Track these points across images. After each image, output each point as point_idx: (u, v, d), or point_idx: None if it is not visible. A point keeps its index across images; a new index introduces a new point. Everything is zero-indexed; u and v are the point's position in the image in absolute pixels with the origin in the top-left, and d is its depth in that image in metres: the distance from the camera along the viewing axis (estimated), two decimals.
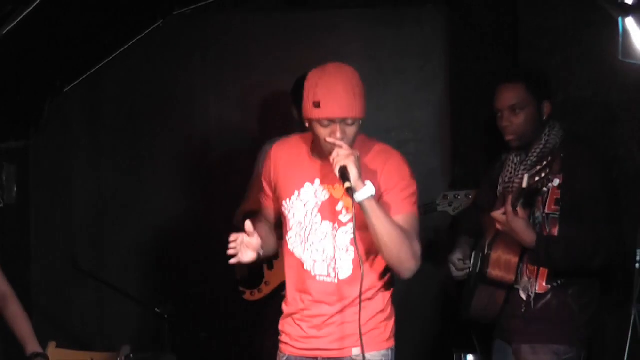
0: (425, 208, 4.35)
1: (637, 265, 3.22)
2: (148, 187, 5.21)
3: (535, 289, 3.47)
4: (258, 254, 2.98)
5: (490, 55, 4.75)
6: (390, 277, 3.13)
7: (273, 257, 4.30)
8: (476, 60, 4.82)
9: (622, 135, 3.88)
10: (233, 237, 2.94)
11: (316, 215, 3.02)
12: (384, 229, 2.83)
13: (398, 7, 5.08)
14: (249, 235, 2.92)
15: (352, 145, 2.89)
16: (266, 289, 4.39)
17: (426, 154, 5.06)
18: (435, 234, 4.86)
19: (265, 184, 3.20)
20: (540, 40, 4.32)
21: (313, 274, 3.04)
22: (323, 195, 3.01)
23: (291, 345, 3.14)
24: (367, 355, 2.95)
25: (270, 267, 4.35)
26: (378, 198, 2.89)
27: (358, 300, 2.95)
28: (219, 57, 5.16)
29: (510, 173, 3.61)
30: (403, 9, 5.09)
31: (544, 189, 3.33)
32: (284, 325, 3.17)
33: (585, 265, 3.37)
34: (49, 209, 5.17)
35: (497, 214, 3.39)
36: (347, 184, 2.78)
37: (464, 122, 4.93)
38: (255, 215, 4.20)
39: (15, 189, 4.77)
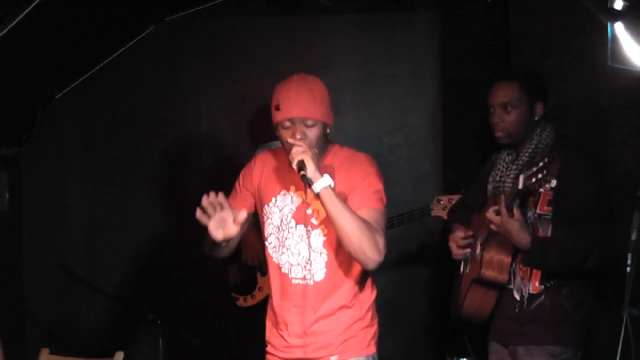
0: (419, 212, 4.36)
1: (628, 269, 3.24)
2: (140, 193, 5.20)
3: (529, 289, 3.47)
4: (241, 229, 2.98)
5: (482, 60, 4.75)
6: (371, 285, 3.19)
7: (266, 264, 4.31)
8: (468, 66, 4.82)
9: (613, 139, 3.90)
10: (206, 203, 2.95)
11: (291, 220, 3.11)
12: (343, 219, 2.88)
13: (390, 12, 5.09)
14: (221, 206, 2.94)
15: (318, 149, 3.00)
16: (260, 295, 4.39)
17: (418, 159, 5.06)
18: (429, 238, 4.87)
19: (242, 186, 3.26)
20: (531, 45, 4.33)
21: (290, 276, 3.12)
22: (297, 200, 3.11)
23: (275, 356, 3.20)
24: None
25: (264, 274, 4.34)
26: (345, 198, 2.97)
27: (336, 307, 3.07)
28: (211, 63, 5.16)
29: (501, 172, 3.62)
30: (395, 14, 5.10)
31: (540, 190, 3.34)
32: (269, 335, 3.24)
33: (578, 268, 3.37)
34: (40, 216, 5.16)
35: (491, 214, 3.40)
36: (302, 172, 2.88)
37: (456, 127, 4.93)
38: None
39: (7, 196, 4.77)
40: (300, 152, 2.90)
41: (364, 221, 2.91)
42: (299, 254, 3.11)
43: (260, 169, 3.25)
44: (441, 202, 4.31)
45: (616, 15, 3.14)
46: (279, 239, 3.15)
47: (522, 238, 3.35)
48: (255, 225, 4.28)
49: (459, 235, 3.72)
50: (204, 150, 5.18)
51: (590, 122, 3.97)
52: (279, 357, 3.18)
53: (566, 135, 3.64)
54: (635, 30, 3.26)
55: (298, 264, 3.11)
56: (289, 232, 3.12)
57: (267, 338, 3.25)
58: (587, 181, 3.39)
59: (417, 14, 5.10)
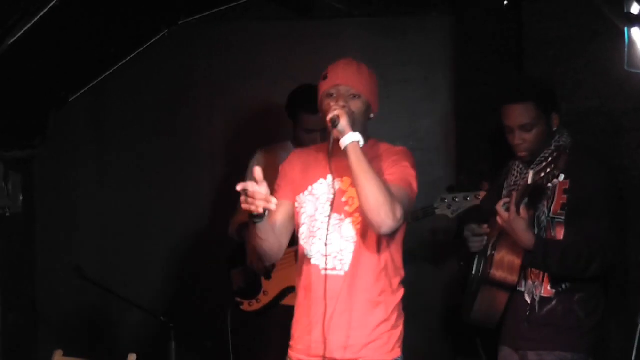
0: (424, 212, 4.32)
1: None
2: (153, 196, 5.21)
3: (541, 293, 3.48)
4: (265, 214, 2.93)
5: (495, 64, 4.75)
6: (398, 283, 3.19)
7: (270, 268, 4.30)
8: (481, 70, 4.82)
9: (628, 145, 3.88)
10: (242, 187, 2.86)
11: (327, 209, 3.09)
12: (364, 175, 2.89)
13: (403, 16, 5.09)
14: (258, 182, 2.86)
15: (355, 124, 2.99)
16: (265, 299, 4.36)
17: (431, 163, 5.06)
18: (434, 235, 4.87)
19: (284, 183, 3.25)
20: (545, 50, 4.32)
21: (321, 267, 3.09)
22: (334, 188, 3.10)
23: (297, 350, 3.17)
24: None
25: (268, 277, 4.33)
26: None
27: (363, 300, 3.05)
28: (224, 66, 5.17)
29: (516, 177, 3.62)
30: (407, 18, 5.10)
31: (549, 184, 3.33)
32: (295, 329, 3.21)
33: (579, 273, 3.37)
34: (54, 218, 5.18)
35: (500, 207, 3.40)
36: (330, 116, 2.92)
37: (468, 132, 4.93)
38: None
39: (20, 198, 4.79)
40: (337, 108, 2.95)
41: (386, 186, 2.92)
42: (330, 244, 3.08)
43: (298, 160, 3.27)
44: (446, 201, 4.29)
45: (633, 20, 3.13)
46: (311, 229, 3.13)
47: (527, 238, 3.35)
48: None
49: (474, 226, 3.72)
50: (217, 153, 5.19)
51: (605, 128, 3.96)
52: (301, 352, 3.15)
53: (582, 140, 3.63)
54: None
55: (329, 254, 3.09)
56: (322, 221, 3.10)
57: (292, 332, 3.22)
58: (597, 180, 3.40)
59: (430, 18, 5.10)
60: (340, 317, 3.07)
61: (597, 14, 3.74)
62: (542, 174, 3.25)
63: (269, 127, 4.99)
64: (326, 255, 3.08)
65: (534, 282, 3.49)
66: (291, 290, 4.23)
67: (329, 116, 2.94)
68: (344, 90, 3.06)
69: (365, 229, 3.06)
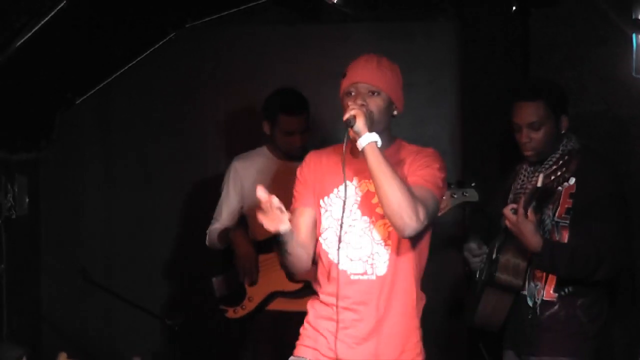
0: None
1: None
2: (159, 198, 5.21)
3: (542, 296, 3.47)
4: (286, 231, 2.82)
5: (501, 69, 4.74)
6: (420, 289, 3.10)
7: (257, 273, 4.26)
8: (487, 75, 4.81)
9: (634, 150, 3.88)
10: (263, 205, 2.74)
11: (355, 212, 3.00)
12: (385, 177, 2.78)
13: (409, 21, 5.08)
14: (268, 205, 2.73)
15: (376, 123, 2.90)
16: (250, 305, 4.26)
17: None
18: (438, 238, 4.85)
19: (303, 189, 3.12)
20: (551, 55, 4.32)
21: (349, 272, 2.98)
22: (361, 190, 3.01)
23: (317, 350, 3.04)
24: None
25: (253, 283, 4.28)
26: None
27: (399, 305, 2.96)
28: (231, 69, 5.17)
29: (522, 181, 3.62)
30: (414, 22, 5.09)
31: (559, 188, 3.32)
32: (313, 328, 3.07)
33: (588, 276, 3.37)
34: (59, 221, 5.18)
35: (508, 211, 3.38)
36: (346, 117, 2.82)
37: (474, 136, 4.92)
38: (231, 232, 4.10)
39: (26, 201, 4.79)
40: (355, 107, 2.84)
41: (407, 187, 2.82)
42: (360, 248, 2.98)
43: (317, 162, 3.13)
44: None
45: None
46: (337, 233, 2.98)
47: (534, 240, 3.34)
48: (245, 229, 4.28)
49: (472, 244, 3.72)
50: (223, 155, 5.19)
51: (611, 133, 3.96)
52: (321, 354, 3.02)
53: (589, 145, 3.63)
54: None
55: (359, 259, 2.98)
56: (350, 224, 2.99)
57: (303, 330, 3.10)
58: (604, 183, 3.40)
59: (437, 23, 5.09)
60: (373, 324, 2.97)
61: (604, 20, 3.75)
62: (553, 177, 3.25)
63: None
64: (357, 260, 2.96)
65: (536, 285, 3.49)
66: (277, 295, 4.22)
67: (345, 117, 2.83)
68: (363, 87, 2.95)
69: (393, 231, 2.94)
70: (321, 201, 3.07)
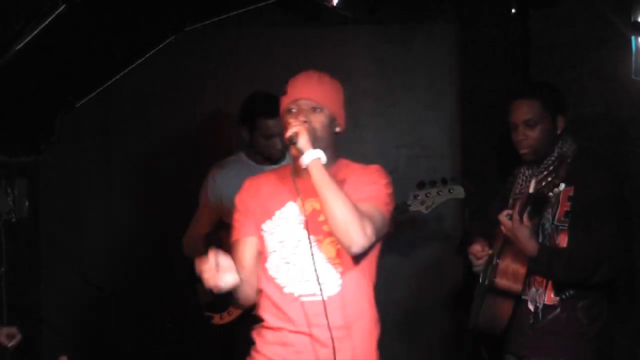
0: (396, 210, 4.26)
1: None
2: (158, 202, 5.21)
3: (544, 300, 3.47)
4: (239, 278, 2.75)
5: (501, 71, 4.75)
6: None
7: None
8: (487, 77, 4.82)
9: (633, 152, 3.88)
10: (203, 264, 2.67)
11: (301, 232, 2.90)
12: (330, 193, 2.74)
13: (409, 24, 5.09)
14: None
15: (318, 140, 2.85)
16: (236, 311, 4.22)
17: (437, 171, 5.02)
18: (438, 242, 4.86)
19: (243, 218, 3.04)
20: (551, 57, 4.33)
21: (296, 294, 2.89)
22: (306, 209, 2.91)
23: None
24: None
25: None
26: None
27: (353, 332, 2.88)
28: (231, 72, 5.17)
29: (521, 185, 3.63)
30: (414, 25, 5.10)
31: (550, 194, 3.32)
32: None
33: (586, 279, 3.36)
34: (59, 224, 5.18)
35: (503, 217, 3.39)
36: (288, 135, 2.78)
37: (474, 139, 4.93)
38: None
39: (26, 204, 4.80)
40: (295, 126, 2.80)
41: (353, 204, 2.76)
42: (307, 268, 2.88)
43: (256, 188, 3.06)
44: (418, 197, 4.25)
45: None
46: (282, 256, 2.93)
47: (530, 245, 3.34)
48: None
49: (477, 248, 3.72)
50: (224, 159, 5.19)
51: (611, 135, 3.96)
52: None
53: (587, 147, 3.64)
54: None
55: (307, 281, 2.88)
56: (296, 245, 2.91)
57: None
58: (601, 186, 3.39)
59: (436, 26, 5.10)
60: (326, 346, 2.86)
61: (604, 22, 3.75)
62: (544, 183, 3.26)
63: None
64: (304, 281, 2.88)
65: (537, 290, 3.49)
66: None
67: (287, 134, 2.79)
68: (305, 104, 2.89)
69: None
70: (263, 225, 2.98)
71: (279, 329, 2.92)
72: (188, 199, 5.24)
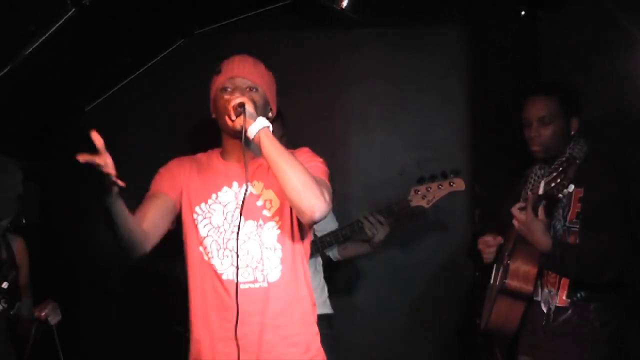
0: (398, 205, 4.25)
1: None
2: None
3: (556, 302, 3.46)
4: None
5: (511, 74, 4.74)
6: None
7: None
8: (496, 80, 4.81)
9: None
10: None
11: (237, 218, 2.81)
12: (284, 161, 2.68)
13: (418, 26, 5.08)
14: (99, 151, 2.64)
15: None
16: None
17: None
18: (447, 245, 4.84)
19: (165, 177, 3.02)
20: (561, 59, 4.32)
21: (236, 281, 2.77)
22: (242, 194, 2.82)
23: None
24: None
25: None
26: None
27: (296, 312, 2.84)
28: None
29: (532, 186, 3.62)
30: (423, 28, 5.09)
31: (559, 195, 3.32)
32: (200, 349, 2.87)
33: (595, 278, 3.36)
34: (70, 228, 5.18)
35: (516, 210, 3.38)
36: (235, 102, 2.74)
37: (484, 142, 4.92)
38: None
39: (37, 208, 4.80)
40: (238, 97, 2.77)
41: (307, 170, 2.71)
42: (247, 254, 2.82)
43: (189, 166, 3.00)
44: (419, 192, 4.24)
45: None
46: (218, 242, 2.85)
47: (544, 240, 3.34)
48: None
49: (487, 238, 3.71)
50: None
51: (621, 138, 3.94)
52: None
53: (597, 149, 3.63)
54: None
55: (247, 266, 2.81)
56: (232, 231, 2.82)
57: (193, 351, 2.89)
58: (611, 187, 3.40)
59: (446, 28, 5.09)
60: (273, 332, 2.82)
61: (613, 24, 3.74)
62: (553, 184, 3.25)
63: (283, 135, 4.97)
64: (244, 267, 2.81)
65: (549, 291, 3.48)
66: None
67: (234, 102, 2.73)
68: (241, 82, 2.89)
69: (289, 231, 2.85)
70: (197, 208, 2.92)
71: (220, 320, 2.83)
72: None
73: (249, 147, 2.79)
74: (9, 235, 3.80)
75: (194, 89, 5.19)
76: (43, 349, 3.85)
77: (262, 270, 2.83)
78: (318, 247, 4.23)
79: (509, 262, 3.51)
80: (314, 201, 2.67)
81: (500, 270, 3.64)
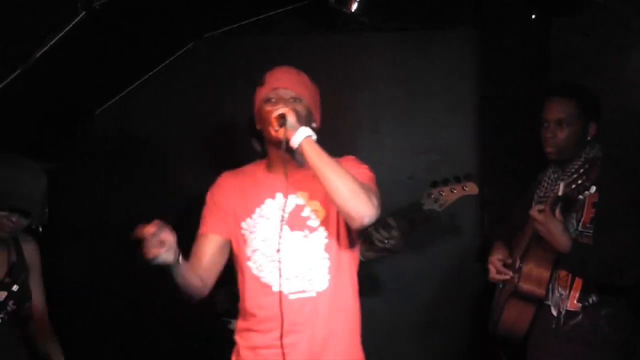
0: (410, 209, 4.24)
1: None
2: (178, 209, 5.21)
3: (567, 306, 3.45)
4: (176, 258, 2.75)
5: (521, 78, 4.73)
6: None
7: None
8: (507, 83, 4.80)
9: None
10: (145, 230, 2.73)
11: (284, 228, 2.87)
12: (331, 169, 2.69)
13: (428, 30, 5.07)
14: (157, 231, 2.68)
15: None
16: None
17: None
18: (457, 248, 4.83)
19: (211, 214, 3.05)
20: (572, 63, 4.31)
21: (286, 292, 2.85)
22: (287, 206, 2.89)
23: None
24: None
25: None
26: None
27: (347, 322, 2.87)
28: (249, 79, 5.15)
29: (546, 189, 3.61)
30: (433, 31, 5.08)
31: (580, 196, 3.30)
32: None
33: (614, 281, 3.34)
34: (80, 230, 5.19)
35: (535, 212, 3.36)
36: (277, 114, 2.74)
37: (493, 145, 4.90)
38: None
39: (46, 211, 4.80)
40: (281, 108, 2.77)
41: (354, 176, 2.72)
42: (294, 264, 2.87)
43: (232, 185, 3.05)
44: (432, 196, 4.22)
45: None
46: (266, 255, 2.91)
47: (564, 240, 3.32)
48: None
49: (497, 257, 3.69)
50: (242, 166, 5.19)
51: (632, 141, 3.93)
52: None
53: (611, 153, 3.61)
54: None
55: (296, 277, 2.87)
56: (280, 242, 2.86)
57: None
58: (625, 191, 3.38)
59: (456, 32, 5.08)
60: (316, 343, 2.86)
61: (624, 28, 3.73)
62: (573, 186, 3.23)
63: None
64: (294, 278, 2.85)
65: (560, 295, 3.46)
66: None
67: (275, 114, 2.74)
68: (284, 93, 2.91)
69: (336, 240, 2.88)
70: (243, 223, 2.97)
71: (266, 331, 2.90)
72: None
73: (294, 157, 2.83)
74: (21, 237, 3.80)
75: (203, 91, 5.23)
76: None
77: (310, 280, 2.87)
78: None
79: (521, 265, 3.50)
80: (362, 207, 2.68)
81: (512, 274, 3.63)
